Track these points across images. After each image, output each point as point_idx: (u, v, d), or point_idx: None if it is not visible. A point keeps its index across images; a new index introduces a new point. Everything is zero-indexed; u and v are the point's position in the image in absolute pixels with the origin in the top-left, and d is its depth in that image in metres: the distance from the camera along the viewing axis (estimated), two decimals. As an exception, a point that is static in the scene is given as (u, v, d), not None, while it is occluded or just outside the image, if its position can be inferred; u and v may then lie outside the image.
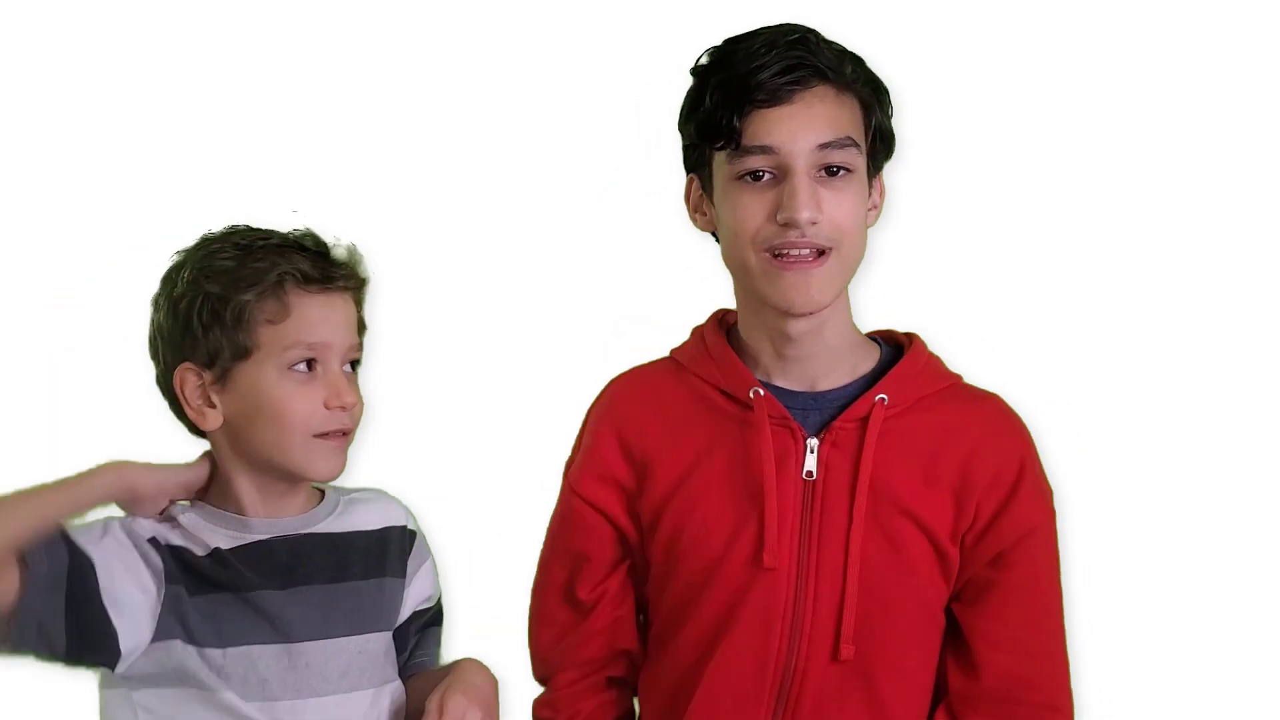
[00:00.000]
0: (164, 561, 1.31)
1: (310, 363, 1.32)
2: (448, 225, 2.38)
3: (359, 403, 1.35)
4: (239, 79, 2.37)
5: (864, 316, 1.44)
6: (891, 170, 1.42)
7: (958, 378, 1.42)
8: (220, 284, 1.30)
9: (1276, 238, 2.30)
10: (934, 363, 1.42)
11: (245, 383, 1.31)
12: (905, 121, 1.40)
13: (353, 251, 1.38)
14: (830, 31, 1.36)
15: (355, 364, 1.38)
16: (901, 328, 1.46)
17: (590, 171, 2.29)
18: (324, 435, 1.33)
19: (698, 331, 1.46)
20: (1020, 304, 2.28)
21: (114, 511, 1.33)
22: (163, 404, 1.38)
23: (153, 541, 1.31)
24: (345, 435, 1.35)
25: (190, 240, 1.37)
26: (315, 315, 1.31)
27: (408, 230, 2.33)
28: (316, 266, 1.32)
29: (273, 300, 1.30)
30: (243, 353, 1.30)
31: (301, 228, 1.37)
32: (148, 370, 1.38)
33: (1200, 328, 2.30)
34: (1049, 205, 2.32)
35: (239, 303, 1.29)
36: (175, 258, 1.36)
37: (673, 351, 1.47)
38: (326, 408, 1.32)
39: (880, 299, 1.47)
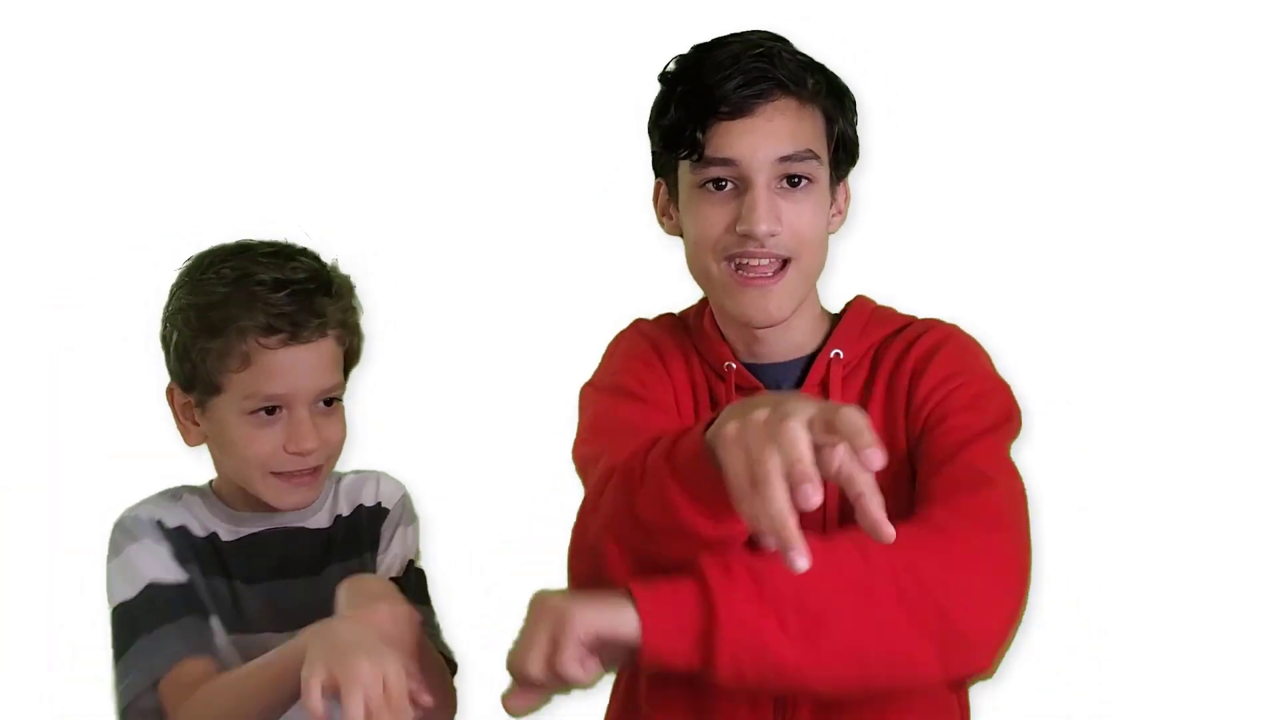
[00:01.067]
0: (175, 547, 1.36)
1: (273, 407, 1.33)
2: (449, 225, 2.38)
3: (334, 435, 1.36)
4: (238, 78, 2.37)
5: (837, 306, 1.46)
6: (890, 169, 1.43)
7: (910, 318, 1.43)
8: (191, 325, 1.32)
9: (1253, 226, 2.31)
10: (882, 312, 1.44)
11: (215, 415, 1.35)
12: (902, 120, 1.40)
13: (342, 284, 1.37)
14: (816, 32, 1.37)
15: (336, 399, 1.38)
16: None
17: (590, 172, 2.30)
18: (283, 475, 1.35)
19: (704, 300, 1.48)
20: (1015, 303, 2.28)
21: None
22: (162, 404, 1.41)
23: (158, 525, 1.37)
24: (313, 473, 1.36)
25: (192, 244, 1.38)
26: (278, 367, 1.31)
27: (409, 231, 2.34)
28: (286, 317, 1.30)
29: (235, 352, 1.31)
30: (212, 390, 1.33)
31: (305, 252, 1.37)
32: (147, 370, 1.40)
33: (1192, 329, 2.30)
34: (1038, 204, 2.33)
35: (202, 349, 1.31)
36: (184, 266, 1.37)
37: (682, 312, 1.50)
38: (285, 450, 1.34)
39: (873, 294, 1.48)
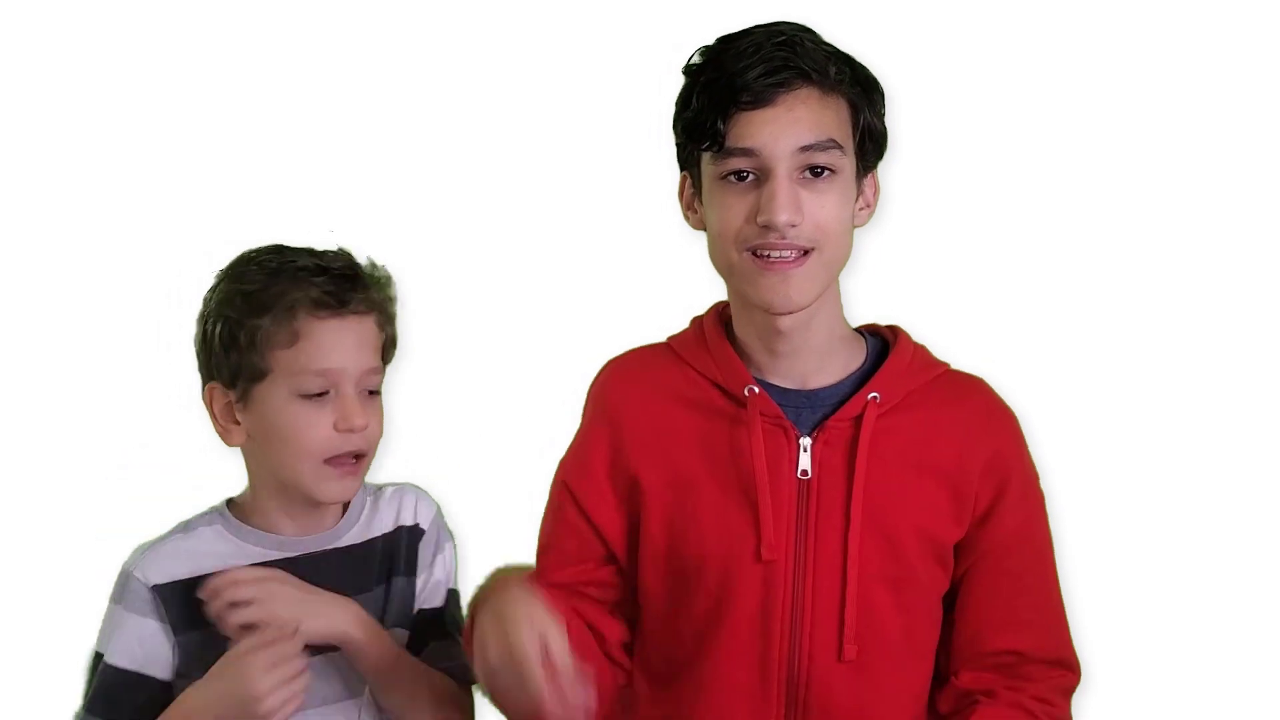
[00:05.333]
0: (168, 612, 1.34)
1: (322, 391, 1.33)
2: (454, 225, 2.37)
3: (375, 426, 1.37)
4: (249, 84, 2.36)
5: (857, 311, 1.45)
6: (890, 167, 1.42)
7: (945, 366, 1.43)
8: (237, 309, 1.32)
9: (1257, 227, 2.30)
10: (920, 354, 1.43)
11: (261, 404, 1.34)
12: (904, 119, 1.40)
13: (378, 273, 1.39)
14: (833, 29, 1.36)
15: (377, 390, 1.39)
16: (885, 321, 1.47)
17: (590, 171, 2.29)
18: (334, 461, 1.34)
19: (696, 322, 1.47)
20: (1011, 299, 2.28)
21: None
22: (157, 404, 1.40)
23: (155, 591, 1.34)
24: (358, 460, 1.36)
25: (205, 249, 1.41)
26: (327, 341, 1.33)
27: (414, 232, 2.33)
28: (332, 292, 1.33)
29: (284, 326, 1.32)
30: (258, 375, 1.33)
31: (335, 248, 1.39)
32: (148, 369, 1.39)
33: (1189, 324, 2.29)
34: (1039, 201, 2.31)
35: (251, 327, 1.31)
36: (217, 274, 1.39)
37: (670, 340, 1.47)
38: (336, 430, 1.33)
39: (872, 294, 1.48)
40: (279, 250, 1.38)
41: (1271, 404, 2.29)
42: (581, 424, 1.47)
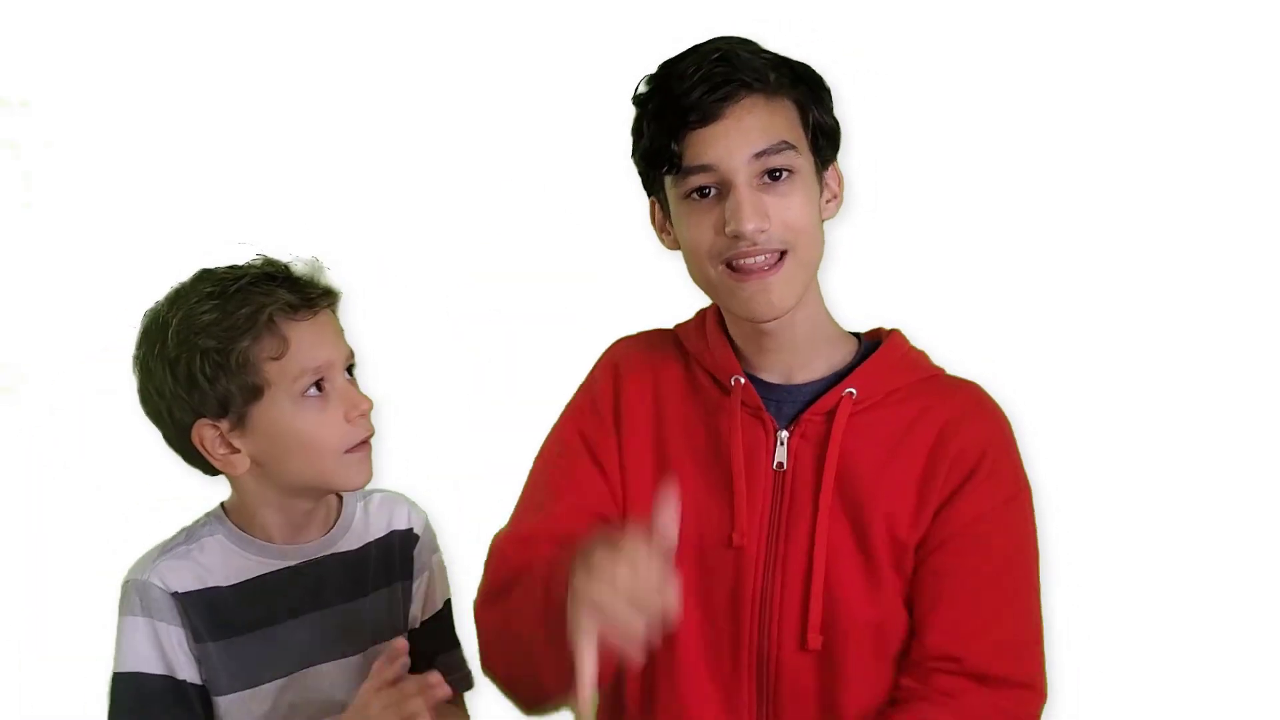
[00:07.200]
0: (185, 619, 1.35)
1: (319, 383, 1.35)
2: (451, 227, 2.39)
3: (370, 403, 1.39)
4: (225, 88, 2.38)
5: (851, 312, 1.46)
6: (884, 166, 1.43)
7: (940, 371, 1.44)
8: (213, 337, 1.31)
9: (1245, 222, 2.31)
10: (911, 356, 1.44)
11: (265, 421, 1.34)
12: (891, 116, 1.40)
13: (316, 267, 1.40)
14: (824, 27, 1.37)
15: (351, 368, 1.41)
16: (889, 324, 1.47)
17: (588, 171, 2.30)
18: (352, 449, 1.36)
19: (701, 312, 1.49)
20: (1004, 298, 2.29)
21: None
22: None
23: (173, 598, 1.35)
24: (368, 444, 1.39)
25: (145, 293, 1.39)
26: (311, 340, 1.35)
27: (413, 233, 2.35)
28: (296, 293, 1.34)
29: (270, 338, 1.32)
30: (255, 394, 1.33)
31: (258, 258, 1.39)
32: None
33: (1182, 320, 2.30)
34: (1030, 197, 2.32)
35: (239, 350, 1.31)
36: (149, 317, 1.37)
37: (675, 327, 1.50)
38: (348, 420, 1.35)
39: (864, 293, 1.50)
40: (204, 276, 1.37)
41: (1265, 404, 2.30)
42: (587, 383, 1.49)
